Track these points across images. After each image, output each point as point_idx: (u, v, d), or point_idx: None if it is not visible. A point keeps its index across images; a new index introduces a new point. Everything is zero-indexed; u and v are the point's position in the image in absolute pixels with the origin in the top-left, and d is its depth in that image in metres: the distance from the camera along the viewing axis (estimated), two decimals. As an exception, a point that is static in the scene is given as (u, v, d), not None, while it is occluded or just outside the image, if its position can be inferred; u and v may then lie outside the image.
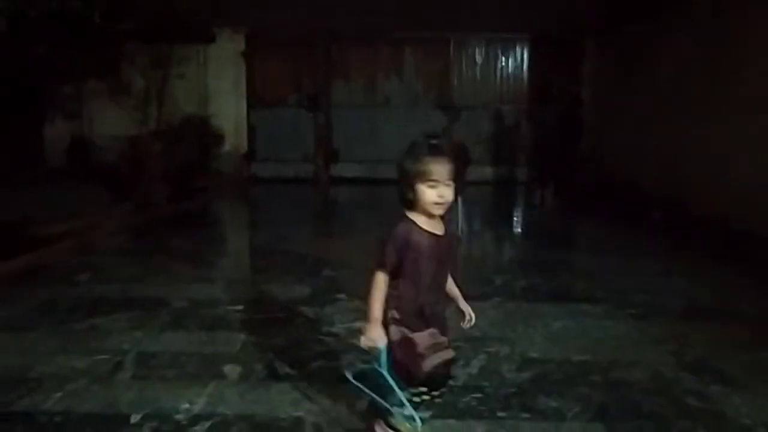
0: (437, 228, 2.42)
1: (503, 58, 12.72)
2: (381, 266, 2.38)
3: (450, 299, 2.60)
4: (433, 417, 2.90)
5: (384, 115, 12.32)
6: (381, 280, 2.38)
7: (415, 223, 2.39)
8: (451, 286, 2.60)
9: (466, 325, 2.63)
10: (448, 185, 2.37)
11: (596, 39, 11.79)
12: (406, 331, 2.40)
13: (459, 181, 7.57)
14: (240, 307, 4.48)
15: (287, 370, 3.41)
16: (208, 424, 2.82)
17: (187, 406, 2.97)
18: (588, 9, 10.08)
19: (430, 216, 2.41)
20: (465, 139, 9.99)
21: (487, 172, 11.97)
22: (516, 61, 12.67)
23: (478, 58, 12.70)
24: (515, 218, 7.99)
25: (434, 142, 2.44)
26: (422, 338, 2.40)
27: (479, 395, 3.12)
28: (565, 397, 3.09)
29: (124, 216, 7.91)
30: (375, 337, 2.37)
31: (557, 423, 2.86)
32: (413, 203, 2.40)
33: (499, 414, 2.95)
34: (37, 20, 5.37)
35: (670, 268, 5.93)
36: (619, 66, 10.74)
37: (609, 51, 11.28)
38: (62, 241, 6.25)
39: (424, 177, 2.34)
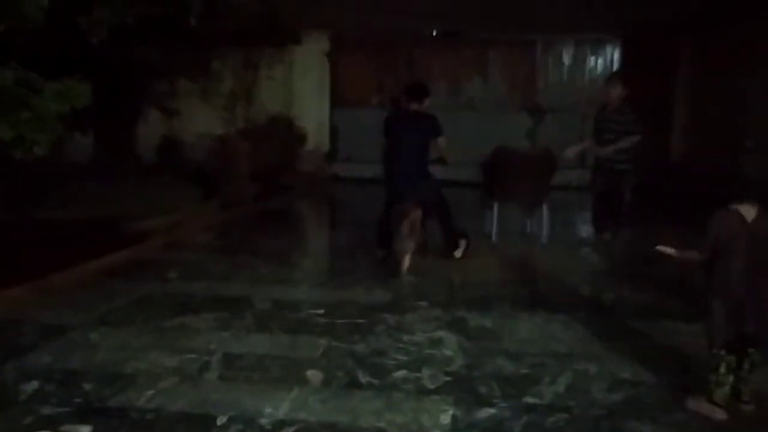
0: None
1: (592, 59, 12.33)
2: None
3: None
4: (518, 437, 2.83)
5: (467, 117, 12.14)
6: None
7: None
8: None
9: None
10: None
11: (692, 39, 11.22)
12: None
13: (544, 186, 7.22)
14: (321, 311, 4.51)
15: (369, 378, 3.41)
16: (291, 430, 2.86)
17: (270, 410, 3.01)
18: (683, 7, 9.59)
19: None
20: (551, 142, 9.71)
21: (572, 176, 11.60)
22: (606, 62, 12.25)
23: (566, 59, 12.36)
24: (598, 226, 7.63)
25: None
26: None
27: (566, 416, 3.02)
28: (659, 423, 2.94)
29: (212, 213, 8.16)
30: None
31: (651, 451, 2.72)
32: None
33: (588, 437, 2.84)
34: (136, 27, 5.60)
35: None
36: (716, 67, 10.20)
37: (706, 51, 10.72)
38: (154, 237, 6.52)
39: None
